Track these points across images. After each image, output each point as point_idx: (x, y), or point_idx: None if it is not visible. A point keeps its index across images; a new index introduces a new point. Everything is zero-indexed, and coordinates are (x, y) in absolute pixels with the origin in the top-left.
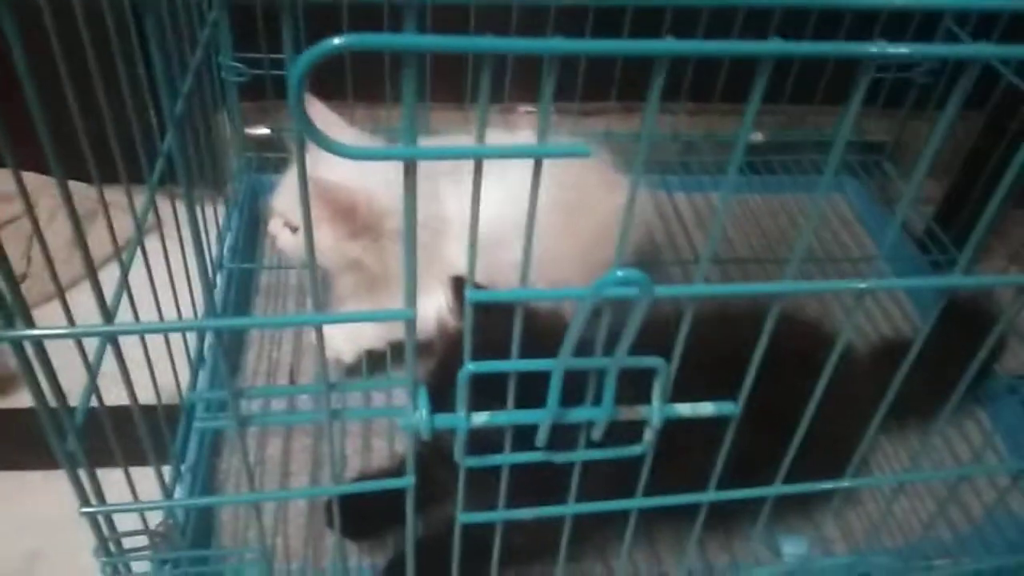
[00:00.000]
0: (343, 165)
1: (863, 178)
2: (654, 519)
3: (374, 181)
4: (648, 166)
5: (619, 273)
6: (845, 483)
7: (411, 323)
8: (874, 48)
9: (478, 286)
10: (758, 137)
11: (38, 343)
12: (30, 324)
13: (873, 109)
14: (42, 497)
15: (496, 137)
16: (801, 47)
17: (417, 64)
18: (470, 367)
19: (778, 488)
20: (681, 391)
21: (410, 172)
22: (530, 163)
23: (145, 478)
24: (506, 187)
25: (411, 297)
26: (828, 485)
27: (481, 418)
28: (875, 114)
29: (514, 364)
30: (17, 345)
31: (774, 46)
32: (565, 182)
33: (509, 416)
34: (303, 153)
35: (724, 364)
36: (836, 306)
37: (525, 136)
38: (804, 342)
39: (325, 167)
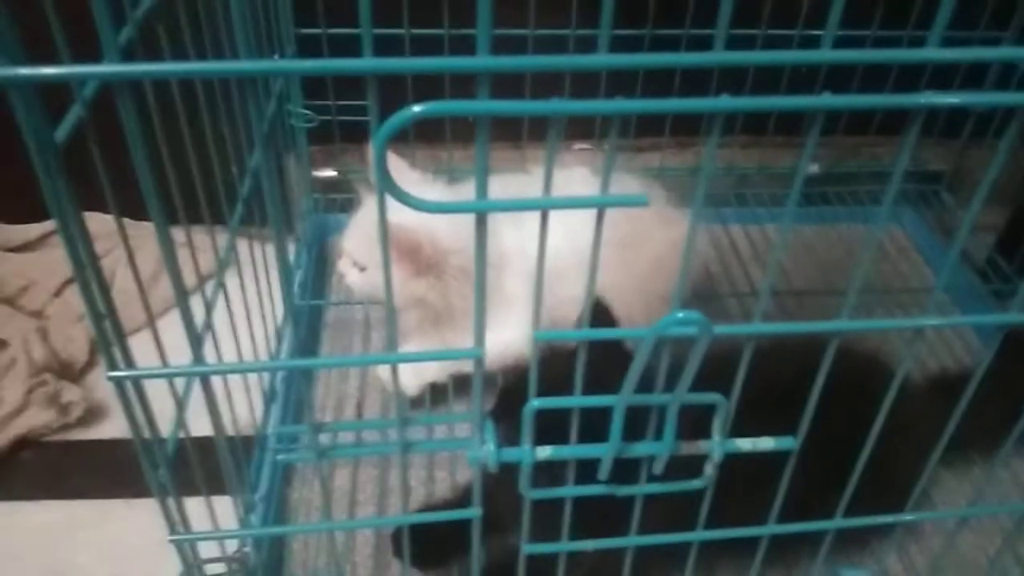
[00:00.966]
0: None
1: (921, 208)
2: (715, 553)
3: (437, 222)
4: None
5: (679, 315)
6: (906, 517)
7: (479, 361)
8: (923, 99)
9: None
10: (814, 169)
11: (137, 382)
12: (131, 365)
13: (930, 139)
14: (125, 525)
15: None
16: (851, 100)
17: (489, 126)
18: (535, 403)
19: (838, 522)
20: (741, 425)
21: (481, 224)
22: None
23: (218, 507)
24: (563, 222)
25: (480, 337)
26: (889, 519)
27: (546, 452)
28: (932, 143)
29: (577, 400)
30: (118, 383)
31: (825, 100)
32: (620, 218)
33: (573, 450)
34: (383, 210)
35: (783, 398)
36: (895, 337)
37: (580, 173)
38: (862, 375)
39: (391, 210)
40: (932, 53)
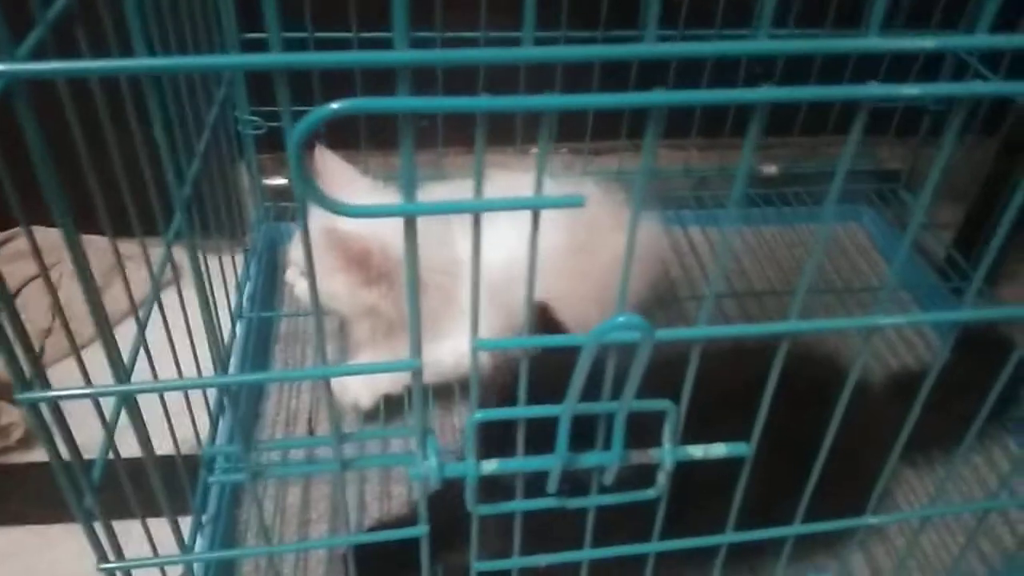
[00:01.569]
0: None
1: (879, 206)
2: (678, 564)
3: (388, 229)
4: (661, 201)
5: (620, 319)
6: (868, 520)
7: (418, 373)
8: (868, 90)
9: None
10: (771, 170)
11: (54, 404)
12: (46, 385)
13: (887, 137)
14: (66, 550)
15: (508, 179)
16: (793, 92)
17: (413, 123)
18: (477, 415)
19: (797, 527)
20: (698, 430)
21: (410, 227)
22: None
23: (167, 530)
24: (521, 229)
25: (416, 348)
26: (850, 523)
27: (491, 466)
28: (889, 142)
29: (522, 411)
30: (32, 407)
31: (768, 93)
32: (576, 223)
33: (519, 463)
34: (306, 215)
35: (738, 402)
36: (855, 338)
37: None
38: (820, 377)
39: (339, 218)
40: (873, 42)
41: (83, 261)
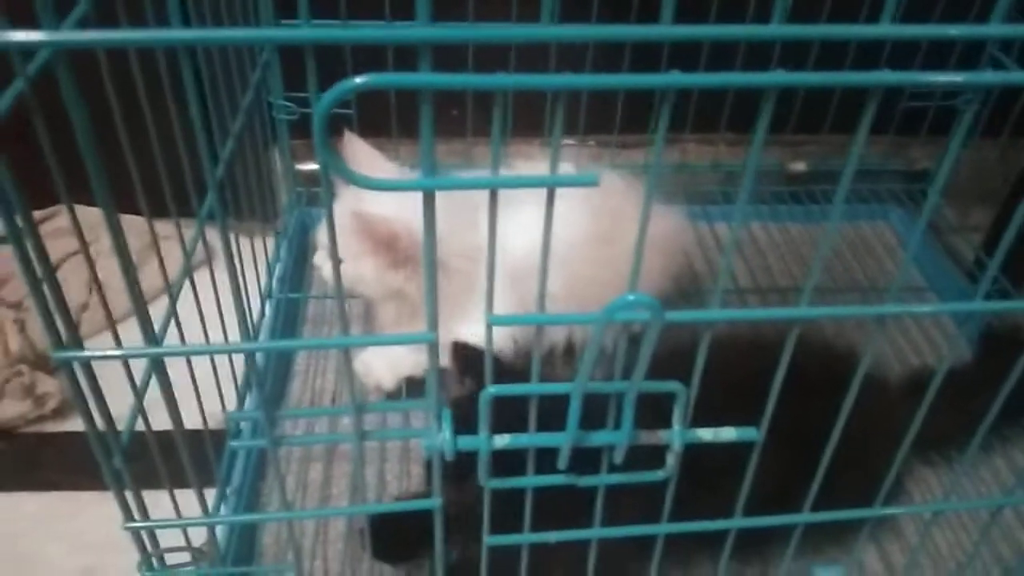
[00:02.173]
0: (384, 198)
1: (909, 207)
2: (693, 550)
3: (413, 214)
4: (688, 196)
5: (630, 297)
6: (875, 511)
7: (433, 346)
8: (878, 76)
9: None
10: (800, 166)
11: (86, 364)
12: (79, 346)
13: (918, 138)
14: (96, 516)
15: (533, 169)
16: (806, 77)
17: (433, 100)
18: (491, 390)
19: (806, 516)
20: (716, 416)
21: (428, 202)
22: (568, 194)
23: (195, 500)
24: (542, 219)
25: (433, 322)
26: (857, 513)
27: (503, 440)
28: (920, 142)
29: (534, 387)
30: (67, 366)
31: (779, 76)
32: (601, 212)
33: (531, 439)
34: (329, 183)
35: (758, 391)
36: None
37: (563, 169)
38: (837, 370)
39: (367, 201)
40: (889, 29)
41: (120, 235)
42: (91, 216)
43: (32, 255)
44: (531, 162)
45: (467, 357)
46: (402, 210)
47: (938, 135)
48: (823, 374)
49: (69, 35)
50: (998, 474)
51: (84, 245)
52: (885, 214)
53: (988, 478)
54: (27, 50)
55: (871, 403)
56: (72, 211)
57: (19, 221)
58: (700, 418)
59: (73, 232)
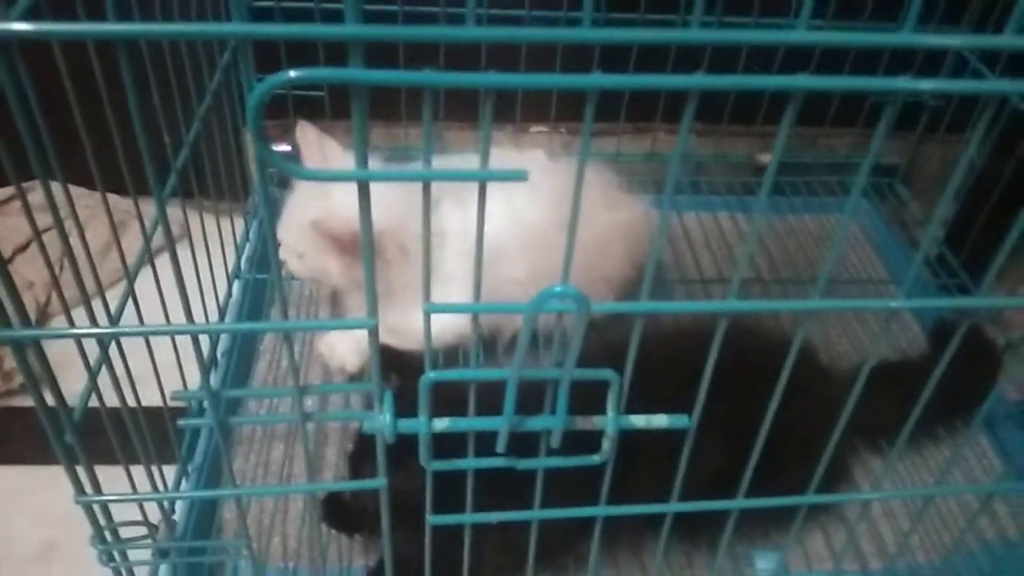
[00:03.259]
0: (339, 190)
1: (875, 200)
2: (642, 532)
3: (378, 209)
4: (658, 185)
5: (557, 289)
6: (806, 499)
7: (373, 332)
8: (900, 83)
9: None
10: (767, 159)
11: (36, 344)
12: (28, 325)
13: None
14: (62, 490)
15: (500, 156)
16: (832, 82)
17: (367, 95)
18: (430, 375)
19: (740, 502)
20: (662, 403)
21: (363, 192)
22: (533, 180)
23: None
24: (508, 205)
25: (372, 308)
26: (789, 500)
27: (442, 423)
28: (888, 136)
29: (472, 373)
30: (18, 346)
31: (803, 80)
32: (564, 200)
33: (469, 422)
34: (264, 178)
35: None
36: (842, 328)
37: (534, 156)
38: (781, 360)
39: (323, 193)
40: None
41: (69, 209)
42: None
43: None
44: (499, 148)
45: (387, 357)
46: (378, 197)
47: (906, 130)
48: (767, 364)
49: (19, 26)
50: (945, 463)
51: (58, 221)
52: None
53: (934, 467)
54: None
55: (815, 392)
56: (47, 187)
57: None
58: (647, 405)
59: (45, 209)
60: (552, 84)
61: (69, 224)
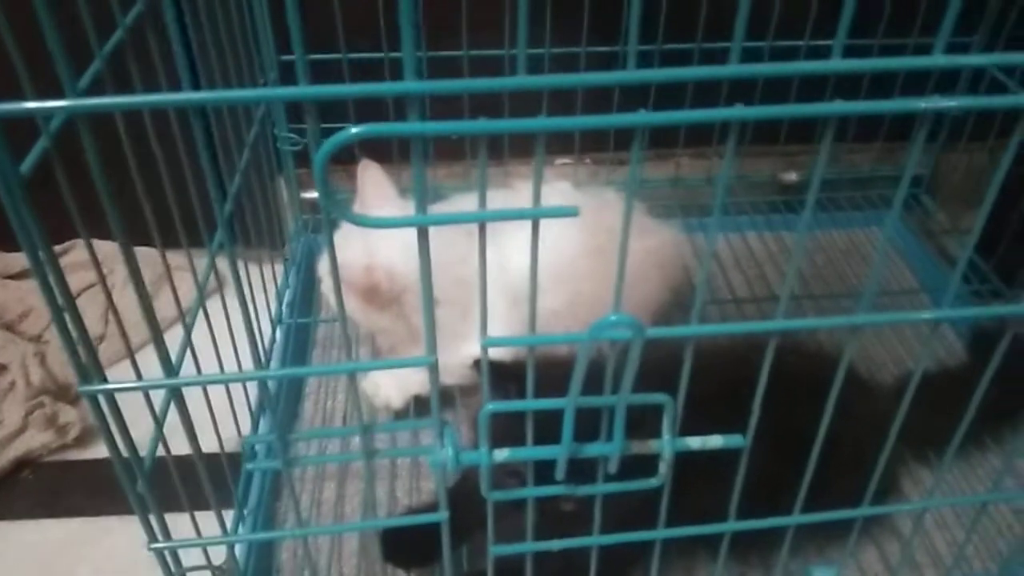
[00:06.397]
0: (371, 236)
1: (901, 212)
2: (694, 555)
3: (395, 254)
4: (685, 209)
5: (612, 318)
6: (859, 511)
7: (433, 368)
8: (924, 103)
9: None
10: (792, 177)
11: (110, 396)
12: (103, 379)
13: (907, 143)
14: (121, 540)
15: (529, 188)
16: (865, 106)
17: (425, 145)
18: (489, 407)
19: (795, 518)
20: (714, 423)
21: (423, 237)
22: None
23: (213, 522)
24: (544, 236)
25: (431, 346)
26: (842, 514)
27: (503, 454)
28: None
29: (530, 403)
30: (92, 398)
31: (836, 106)
32: (598, 228)
33: (528, 452)
34: (329, 228)
35: (748, 398)
36: (879, 339)
37: (561, 187)
38: (827, 375)
39: (355, 237)
40: (940, 59)
41: (135, 266)
42: (104, 248)
43: (54, 287)
44: (529, 182)
45: (498, 373)
46: (382, 254)
47: (929, 141)
48: (813, 380)
49: (82, 102)
50: (994, 471)
51: (101, 276)
52: (878, 220)
53: (983, 475)
54: (45, 115)
55: (861, 406)
56: (90, 244)
57: (41, 255)
58: (699, 425)
59: (90, 265)
60: (604, 124)
61: (123, 278)
